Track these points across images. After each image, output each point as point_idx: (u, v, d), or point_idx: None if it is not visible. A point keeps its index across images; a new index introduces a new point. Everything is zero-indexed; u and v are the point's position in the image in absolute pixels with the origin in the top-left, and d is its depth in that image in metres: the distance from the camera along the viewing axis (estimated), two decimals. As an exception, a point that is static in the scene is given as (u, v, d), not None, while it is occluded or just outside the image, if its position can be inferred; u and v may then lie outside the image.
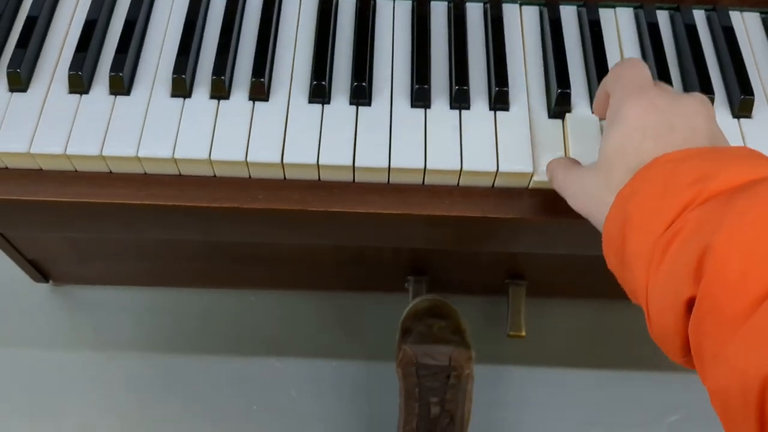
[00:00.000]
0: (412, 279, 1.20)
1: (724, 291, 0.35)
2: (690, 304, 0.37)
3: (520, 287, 1.17)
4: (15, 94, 0.60)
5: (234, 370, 1.23)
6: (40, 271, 1.23)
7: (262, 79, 0.59)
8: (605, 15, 0.65)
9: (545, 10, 0.65)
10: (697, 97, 0.46)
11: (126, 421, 1.20)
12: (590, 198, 0.47)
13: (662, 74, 0.61)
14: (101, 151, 0.57)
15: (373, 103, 0.60)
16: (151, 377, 1.23)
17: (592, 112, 0.59)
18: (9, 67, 0.59)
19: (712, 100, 0.59)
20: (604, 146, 0.46)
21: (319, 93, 0.59)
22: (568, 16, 0.66)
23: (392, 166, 0.57)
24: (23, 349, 1.24)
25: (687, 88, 0.62)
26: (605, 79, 0.51)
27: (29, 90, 0.60)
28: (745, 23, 0.65)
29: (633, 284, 0.41)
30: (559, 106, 0.59)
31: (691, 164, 0.40)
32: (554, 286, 1.18)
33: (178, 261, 1.15)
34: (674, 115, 0.44)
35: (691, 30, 0.64)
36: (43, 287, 1.29)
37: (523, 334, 1.17)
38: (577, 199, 0.49)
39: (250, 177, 0.59)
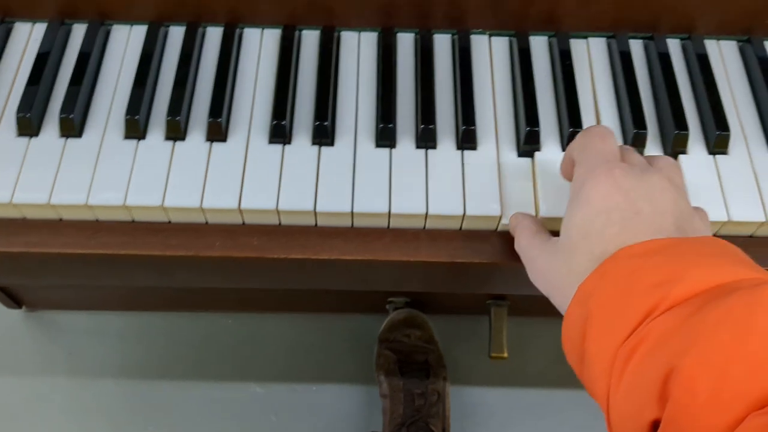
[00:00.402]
0: (393, 301, 1.19)
1: (691, 420, 0.33)
2: (654, 425, 0.35)
3: (502, 308, 1.15)
4: (-40, 138, 0.57)
5: (212, 395, 1.21)
6: (12, 298, 1.20)
7: (220, 119, 0.57)
8: (577, 45, 0.63)
9: (515, 41, 0.63)
10: (664, 171, 0.44)
11: (101, 449, 1.17)
12: (550, 279, 0.45)
13: (635, 108, 0.58)
14: (50, 199, 0.54)
15: (336, 143, 0.57)
16: (127, 403, 1.21)
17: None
18: (-46, 110, 0.57)
19: (687, 138, 0.57)
20: (567, 226, 0.44)
21: (280, 133, 0.57)
22: (539, 46, 0.63)
23: (355, 210, 0.55)
24: (-4, 377, 1.22)
25: (661, 122, 0.59)
26: (571, 146, 0.48)
27: (-25, 134, 0.57)
28: (721, 52, 0.63)
29: (592, 385, 0.39)
30: (527, 145, 0.57)
31: (655, 263, 0.38)
32: (536, 306, 1.16)
33: (151, 285, 1.13)
34: (639, 196, 0.42)
35: (665, 59, 0.62)
36: (16, 313, 1.26)
37: (506, 355, 1.15)
38: (538, 276, 0.47)
39: (206, 222, 0.56)
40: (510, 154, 0.57)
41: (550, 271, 0.45)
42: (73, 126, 0.57)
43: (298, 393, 1.21)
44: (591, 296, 0.40)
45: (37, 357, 1.24)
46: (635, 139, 0.57)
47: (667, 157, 0.47)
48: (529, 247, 0.48)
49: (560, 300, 0.43)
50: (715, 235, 0.51)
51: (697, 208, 0.46)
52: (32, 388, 1.21)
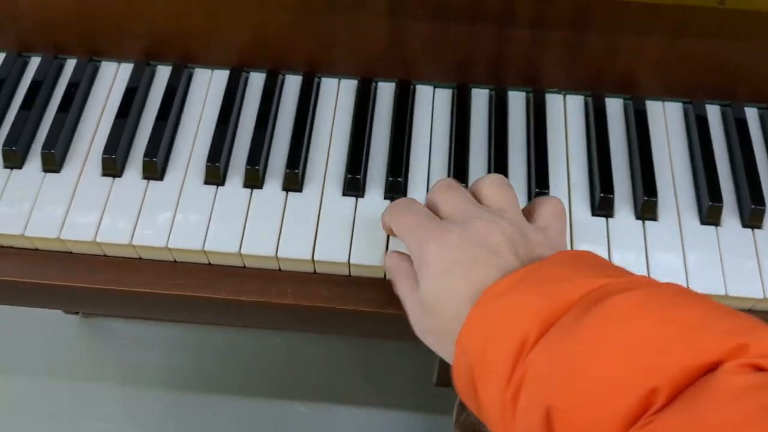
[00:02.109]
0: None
1: None
2: None
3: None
4: (48, 175, 0.59)
5: (256, 412, 1.23)
6: (70, 304, 1.24)
7: (297, 170, 0.58)
8: (653, 108, 0.63)
9: (590, 101, 0.63)
10: (484, 216, 0.46)
11: (146, 457, 1.20)
12: (427, 335, 0.47)
13: (711, 179, 0.58)
14: (131, 240, 0.56)
15: (408, 196, 0.58)
16: (173, 414, 1.23)
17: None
18: (44, 147, 0.59)
19: (763, 213, 0.56)
20: (421, 294, 0.46)
21: (354, 186, 0.58)
22: (614, 107, 0.63)
23: (425, 268, 0.55)
24: (50, 380, 1.25)
25: (738, 188, 0.59)
26: (385, 219, 0.52)
27: (62, 171, 0.60)
28: (801, 122, 0.63)
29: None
30: (601, 210, 0.57)
31: (504, 305, 0.41)
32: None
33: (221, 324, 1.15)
34: (471, 244, 0.44)
35: (742, 126, 0.61)
36: (73, 318, 1.30)
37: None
38: (422, 330, 0.49)
39: (280, 269, 0.58)
40: (584, 215, 0.58)
41: (428, 331, 0.47)
42: (155, 169, 0.59)
43: (342, 415, 1.22)
44: (467, 352, 0.41)
45: (89, 363, 1.28)
46: (710, 211, 0.56)
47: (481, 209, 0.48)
48: (410, 300, 0.49)
49: (442, 352, 0.46)
50: None
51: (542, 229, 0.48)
52: (81, 392, 1.25)
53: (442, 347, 0.46)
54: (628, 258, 0.55)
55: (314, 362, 1.26)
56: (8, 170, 0.60)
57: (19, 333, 1.29)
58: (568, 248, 0.55)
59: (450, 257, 0.44)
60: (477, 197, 0.49)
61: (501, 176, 0.50)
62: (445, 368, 1.17)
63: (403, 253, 0.52)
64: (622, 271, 0.42)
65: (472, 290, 0.43)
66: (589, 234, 0.57)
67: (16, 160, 0.59)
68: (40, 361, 1.27)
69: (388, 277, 0.53)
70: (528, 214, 0.50)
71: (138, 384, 1.26)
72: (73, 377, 1.26)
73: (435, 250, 0.45)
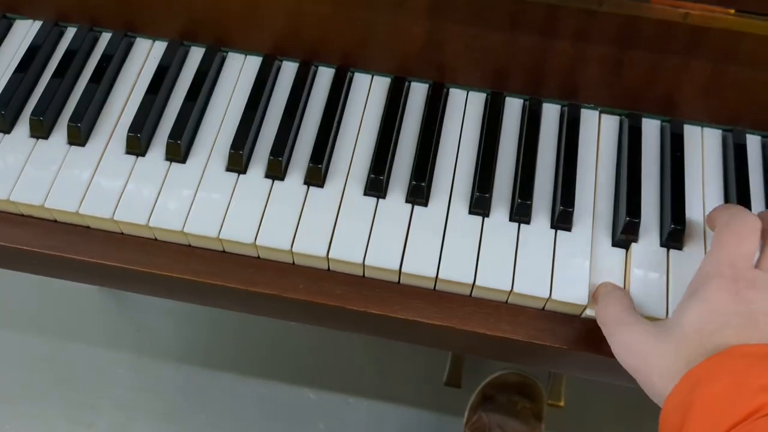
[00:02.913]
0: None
1: None
2: None
3: (565, 357, 1.13)
4: (72, 147, 0.59)
5: (266, 394, 1.23)
6: (91, 270, 1.25)
7: (320, 165, 0.57)
8: (690, 132, 0.61)
9: (625, 121, 0.61)
10: None
11: (153, 427, 1.21)
12: (648, 360, 0.45)
13: (743, 204, 0.56)
14: (148, 221, 0.56)
15: (430, 203, 0.57)
16: (184, 387, 1.24)
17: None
18: (70, 120, 0.59)
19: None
20: (682, 317, 0.45)
21: (376, 187, 0.57)
22: (650, 128, 0.61)
23: (440, 276, 0.54)
24: (64, 343, 1.27)
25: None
26: (712, 218, 0.49)
27: (87, 145, 0.60)
28: None
29: None
30: (624, 235, 0.56)
31: (765, 366, 0.39)
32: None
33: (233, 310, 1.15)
34: (759, 310, 0.43)
35: (784, 160, 0.59)
36: (91, 286, 1.31)
37: (562, 404, 1.14)
38: (628, 352, 0.47)
39: (293, 263, 0.57)
40: (605, 241, 0.56)
41: (650, 353, 0.45)
42: (179, 151, 0.58)
43: (351, 406, 1.22)
44: (696, 386, 0.40)
45: (106, 329, 1.29)
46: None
47: None
48: (619, 321, 0.49)
49: (655, 381, 0.44)
50: None
51: None
52: (95, 358, 1.26)
53: (658, 373, 0.44)
54: (649, 283, 0.54)
55: (327, 351, 1.26)
56: (34, 139, 0.60)
57: (38, 295, 1.31)
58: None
59: (735, 308, 0.43)
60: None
61: None
62: (455, 369, 1.16)
63: (618, 285, 0.53)
64: None
65: (735, 340, 0.42)
66: (607, 259, 0.55)
67: (42, 130, 0.59)
68: (56, 324, 1.29)
69: (596, 297, 0.53)
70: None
71: (152, 355, 1.27)
72: (89, 342, 1.28)
73: (725, 295, 0.44)
